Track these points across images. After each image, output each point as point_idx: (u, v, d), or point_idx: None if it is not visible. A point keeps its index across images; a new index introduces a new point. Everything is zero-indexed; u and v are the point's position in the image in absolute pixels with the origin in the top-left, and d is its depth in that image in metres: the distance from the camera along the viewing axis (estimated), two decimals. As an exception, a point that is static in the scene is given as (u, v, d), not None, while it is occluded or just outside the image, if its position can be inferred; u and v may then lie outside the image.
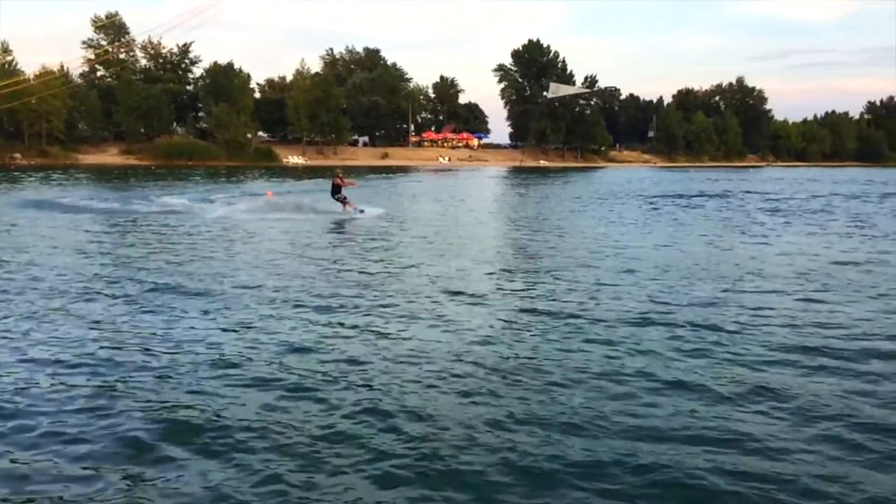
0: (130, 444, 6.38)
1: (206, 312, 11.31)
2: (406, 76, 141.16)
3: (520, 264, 17.41)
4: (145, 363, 8.69)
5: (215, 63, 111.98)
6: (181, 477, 5.83)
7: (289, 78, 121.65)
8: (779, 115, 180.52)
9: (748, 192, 51.96)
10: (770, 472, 5.97)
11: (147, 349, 9.28)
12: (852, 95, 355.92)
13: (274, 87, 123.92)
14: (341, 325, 10.70)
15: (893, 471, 6.08)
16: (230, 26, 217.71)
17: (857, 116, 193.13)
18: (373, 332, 10.27)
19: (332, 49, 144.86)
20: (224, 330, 10.25)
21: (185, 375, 8.24)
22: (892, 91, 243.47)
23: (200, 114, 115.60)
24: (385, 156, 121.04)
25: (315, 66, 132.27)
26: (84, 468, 5.94)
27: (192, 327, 10.40)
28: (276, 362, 8.76)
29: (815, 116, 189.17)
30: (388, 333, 10.19)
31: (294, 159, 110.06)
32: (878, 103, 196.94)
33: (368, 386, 7.97)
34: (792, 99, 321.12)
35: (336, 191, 27.78)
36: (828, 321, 11.22)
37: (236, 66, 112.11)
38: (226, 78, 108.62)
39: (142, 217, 27.22)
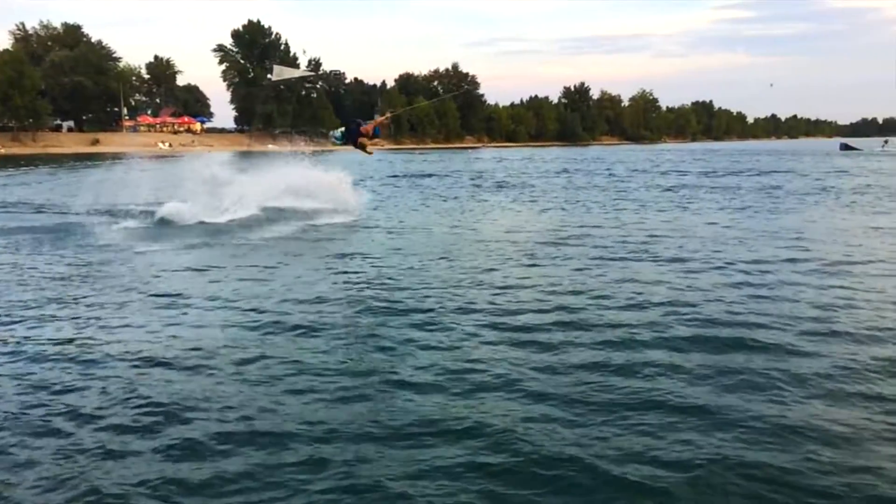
0: None
1: None
2: (114, 55, 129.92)
3: (253, 251, 17.19)
4: None
5: None
6: None
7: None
8: (490, 100, 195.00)
9: (474, 171, 55.81)
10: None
11: None
12: (551, 81, 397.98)
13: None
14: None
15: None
16: None
17: (555, 100, 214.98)
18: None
19: (23, 24, 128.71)
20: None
21: None
22: (583, 78, 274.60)
23: None
24: (95, 142, 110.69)
25: (3, 42, 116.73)
26: None
27: None
28: None
29: (521, 100, 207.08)
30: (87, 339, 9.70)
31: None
32: (572, 88, 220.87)
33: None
34: (500, 84, 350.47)
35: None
36: (542, 292, 12.66)
37: None
38: None
39: None
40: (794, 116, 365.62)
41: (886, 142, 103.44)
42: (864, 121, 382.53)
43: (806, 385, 7.68)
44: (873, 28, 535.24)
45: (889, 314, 10.48)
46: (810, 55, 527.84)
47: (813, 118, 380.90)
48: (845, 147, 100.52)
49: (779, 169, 54.91)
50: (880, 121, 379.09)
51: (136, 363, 8.46)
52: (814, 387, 7.63)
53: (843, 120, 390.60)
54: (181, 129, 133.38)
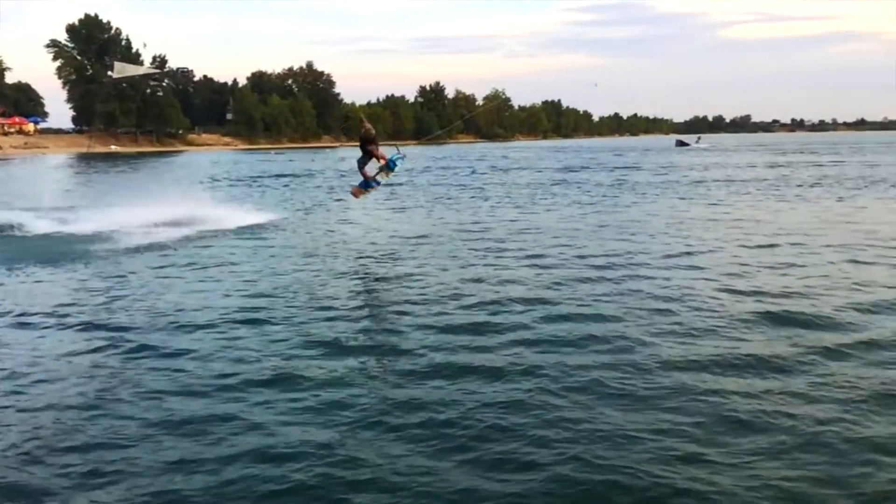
0: None
1: None
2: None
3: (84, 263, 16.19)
4: None
5: None
6: None
7: None
8: (347, 98, 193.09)
9: (335, 170, 55.51)
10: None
11: None
12: (407, 80, 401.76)
13: None
14: None
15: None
16: None
17: (412, 99, 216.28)
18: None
19: None
20: None
21: None
22: (438, 77, 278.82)
23: None
24: None
25: None
26: None
27: None
28: None
29: (377, 99, 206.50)
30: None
31: None
32: (428, 88, 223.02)
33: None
34: (356, 83, 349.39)
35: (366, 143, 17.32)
36: (393, 290, 12.78)
37: None
38: None
39: None
40: (635, 115, 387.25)
41: (699, 139, 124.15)
42: (697, 118, 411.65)
43: (653, 378, 7.96)
44: (700, 31, 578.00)
45: (727, 302, 11.27)
46: (648, 57, 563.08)
47: (652, 116, 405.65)
48: (680, 143, 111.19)
49: (623, 164, 58.24)
50: (710, 118, 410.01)
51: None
52: (660, 381, 7.90)
53: (679, 118, 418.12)
54: (12, 130, 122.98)
